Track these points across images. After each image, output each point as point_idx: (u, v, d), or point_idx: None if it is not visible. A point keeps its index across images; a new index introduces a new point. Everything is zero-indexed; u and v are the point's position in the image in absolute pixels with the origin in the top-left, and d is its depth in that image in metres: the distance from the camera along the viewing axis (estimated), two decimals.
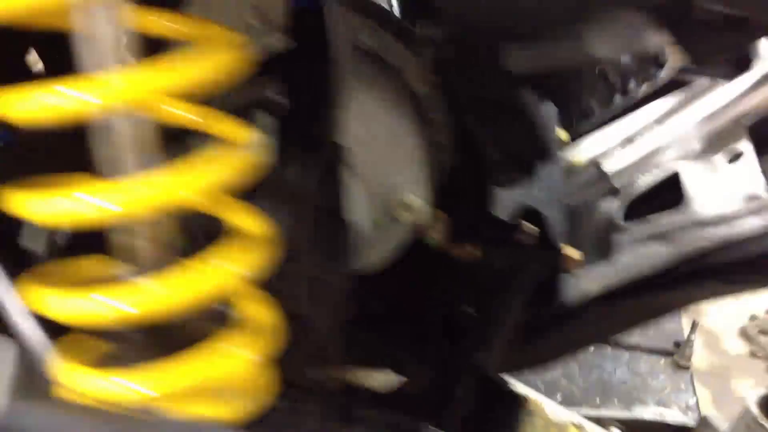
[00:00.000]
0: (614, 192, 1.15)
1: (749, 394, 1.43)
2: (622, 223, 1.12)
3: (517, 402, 1.01)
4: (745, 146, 1.16)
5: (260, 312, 0.61)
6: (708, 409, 1.95)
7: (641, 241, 1.09)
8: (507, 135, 0.94)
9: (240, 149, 0.58)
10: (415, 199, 0.96)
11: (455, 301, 1.04)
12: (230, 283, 0.58)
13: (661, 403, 1.93)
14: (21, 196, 0.55)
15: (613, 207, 1.14)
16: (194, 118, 0.58)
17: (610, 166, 1.17)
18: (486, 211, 1.00)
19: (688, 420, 1.64)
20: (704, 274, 1.02)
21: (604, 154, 1.18)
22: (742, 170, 1.15)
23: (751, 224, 1.03)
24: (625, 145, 1.20)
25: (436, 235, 1.01)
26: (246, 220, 0.61)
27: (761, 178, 1.12)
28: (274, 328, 0.62)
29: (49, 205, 0.54)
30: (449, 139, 0.97)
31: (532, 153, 0.96)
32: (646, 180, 1.15)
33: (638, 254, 1.07)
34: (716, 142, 1.16)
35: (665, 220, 1.09)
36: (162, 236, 0.57)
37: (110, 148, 0.53)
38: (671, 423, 1.65)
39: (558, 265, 1.02)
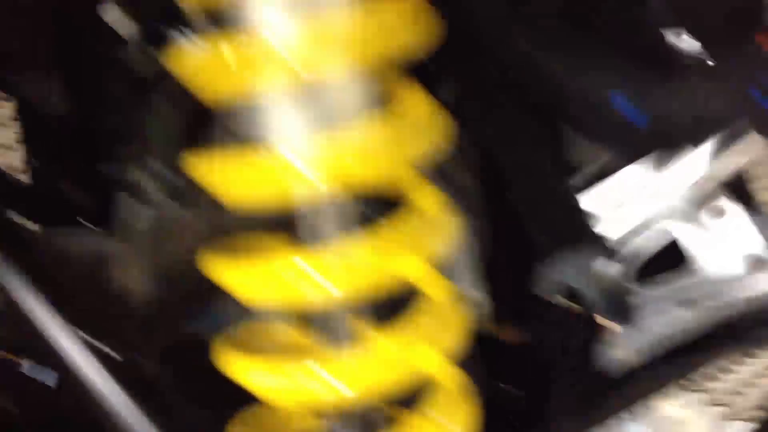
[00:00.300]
0: (612, 254, 1.22)
1: None
2: (634, 287, 1.18)
3: None
4: (726, 204, 1.25)
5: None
6: None
7: (663, 306, 1.15)
8: (554, 220, 0.99)
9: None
10: (475, 292, 0.99)
11: (503, 382, 1.08)
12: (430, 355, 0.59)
13: None
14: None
15: (620, 271, 1.21)
16: None
17: (605, 232, 1.23)
18: (528, 292, 1.04)
19: None
20: (734, 337, 1.09)
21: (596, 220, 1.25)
22: (731, 228, 1.24)
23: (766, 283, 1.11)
24: (616, 211, 1.26)
25: (484, 321, 1.04)
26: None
27: (756, 235, 1.21)
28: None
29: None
30: (492, 228, 1.01)
31: (577, 235, 1.01)
32: (647, 243, 1.22)
33: (665, 321, 1.13)
34: (698, 201, 1.24)
35: (680, 283, 1.16)
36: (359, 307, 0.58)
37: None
38: None
39: (600, 338, 1.07)
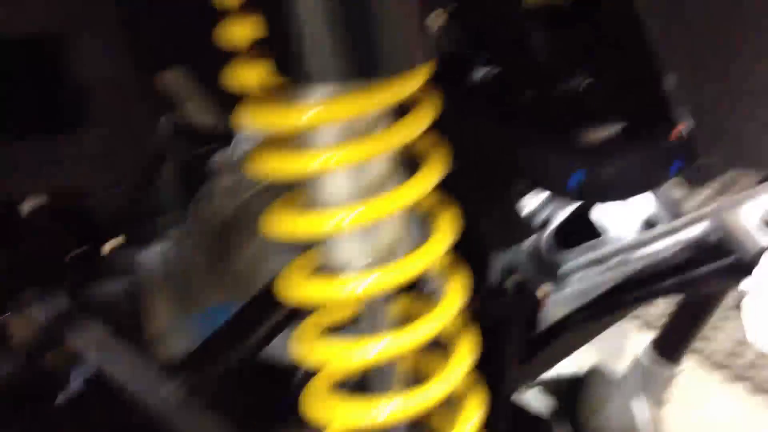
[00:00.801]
0: (538, 227, 1.46)
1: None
2: (555, 253, 1.43)
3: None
4: None
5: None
6: None
7: (582, 268, 1.40)
8: (501, 224, 1.22)
9: None
10: None
11: None
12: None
13: None
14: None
15: (541, 240, 1.46)
16: None
17: (528, 206, 1.48)
18: (479, 275, 1.29)
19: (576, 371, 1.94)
20: (643, 288, 1.36)
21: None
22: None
23: (666, 243, 1.37)
24: None
25: None
26: None
27: (652, 200, 1.47)
28: None
29: None
30: None
31: (519, 233, 1.25)
32: (561, 213, 1.47)
33: (584, 281, 1.38)
34: None
35: (595, 248, 1.42)
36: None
37: None
38: (560, 376, 1.94)
39: (536, 303, 1.33)
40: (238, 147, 1.23)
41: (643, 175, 0.88)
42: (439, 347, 0.86)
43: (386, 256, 0.77)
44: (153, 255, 1.21)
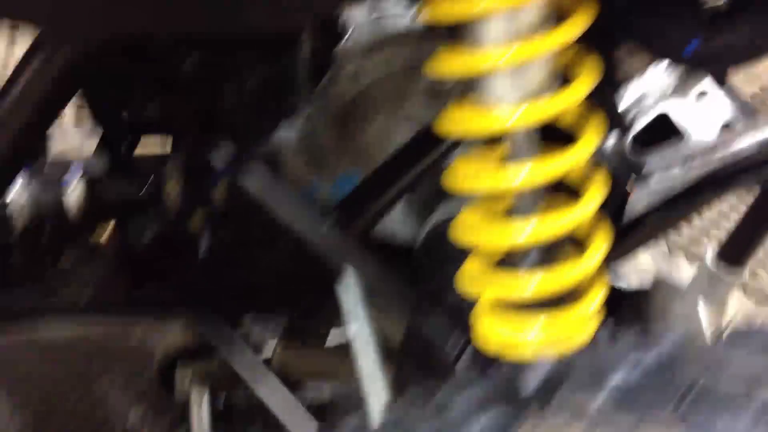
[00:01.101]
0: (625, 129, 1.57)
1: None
2: (638, 153, 1.54)
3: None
4: (708, 83, 1.61)
5: None
6: None
7: (664, 166, 1.51)
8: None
9: None
10: None
11: None
12: None
13: None
14: None
15: (625, 139, 1.56)
16: None
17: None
18: None
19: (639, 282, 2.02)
20: (714, 186, 1.47)
21: None
22: (712, 101, 1.59)
23: (746, 141, 1.48)
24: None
25: None
26: None
27: (729, 105, 1.57)
28: None
29: None
30: None
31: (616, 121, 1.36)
32: (644, 119, 1.58)
33: (665, 178, 1.49)
34: (687, 79, 1.60)
35: (676, 149, 1.52)
36: None
37: None
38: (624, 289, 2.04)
39: (624, 196, 1.45)
40: (357, 34, 1.34)
41: (753, 42, 0.99)
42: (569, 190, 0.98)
43: (534, 95, 0.88)
44: (289, 128, 1.33)
